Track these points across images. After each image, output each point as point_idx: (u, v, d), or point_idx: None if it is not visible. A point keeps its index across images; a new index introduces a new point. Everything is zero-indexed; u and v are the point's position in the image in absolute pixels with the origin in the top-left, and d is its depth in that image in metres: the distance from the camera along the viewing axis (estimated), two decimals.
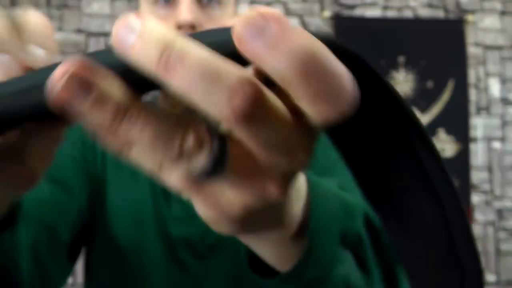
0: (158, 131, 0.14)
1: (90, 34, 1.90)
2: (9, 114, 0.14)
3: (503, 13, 2.05)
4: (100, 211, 0.58)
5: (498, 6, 2.05)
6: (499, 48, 2.03)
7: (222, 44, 0.13)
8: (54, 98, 0.13)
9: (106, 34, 1.91)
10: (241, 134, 0.13)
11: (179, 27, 0.53)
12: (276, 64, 0.12)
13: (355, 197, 0.31)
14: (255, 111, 0.12)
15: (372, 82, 0.15)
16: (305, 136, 0.14)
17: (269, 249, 0.24)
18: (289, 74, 0.12)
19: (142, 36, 0.13)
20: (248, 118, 0.12)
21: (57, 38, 1.88)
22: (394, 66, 1.95)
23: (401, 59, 1.96)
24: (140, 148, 0.14)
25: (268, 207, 0.16)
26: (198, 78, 0.12)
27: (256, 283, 0.26)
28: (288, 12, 1.98)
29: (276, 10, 0.12)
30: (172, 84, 0.13)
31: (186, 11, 0.52)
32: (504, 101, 2.01)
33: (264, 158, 0.14)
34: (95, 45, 1.89)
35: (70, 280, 1.77)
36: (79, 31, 1.90)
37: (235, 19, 0.13)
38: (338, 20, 1.97)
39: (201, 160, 0.14)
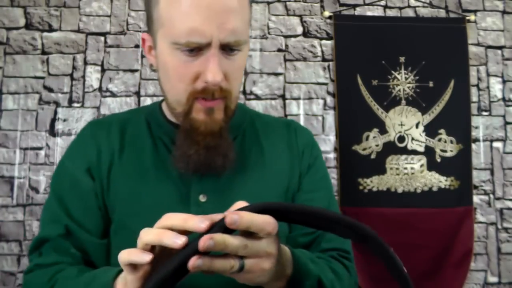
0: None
1: (89, 34, 1.90)
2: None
3: (505, 12, 2.04)
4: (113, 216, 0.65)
5: (500, 5, 2.04)
6: (500, 47, 2.02)
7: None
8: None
9: (105, 34, 1.90)
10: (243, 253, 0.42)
11: (206, 82, 0.56)
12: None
13: (317, 266, 0.57)
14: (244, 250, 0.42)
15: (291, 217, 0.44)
16: (267, 243, 0.43)
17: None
18: (250, 228, 0.40)
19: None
20: (243, 253, 0.42)
21: (56, 38, 1.88)
22: (395, 66, 1.94)
23: (402, 59, 1.95)
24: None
25: (261, 281, 0.46)
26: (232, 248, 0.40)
27: None
28: (289, 12, 1.97)
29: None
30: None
31: (216, 73, 0.55)
32: (506, 101, 2.00)
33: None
34: (94, 44, 1.89)
35: None
36: (78, 30, 1.89)
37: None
38: (339, 19, 1.95)
39: (236, 266, 0.41)
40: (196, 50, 0.56)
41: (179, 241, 0.38)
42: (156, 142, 0.68)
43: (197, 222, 0.39)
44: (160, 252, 0.42)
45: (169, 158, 0.64)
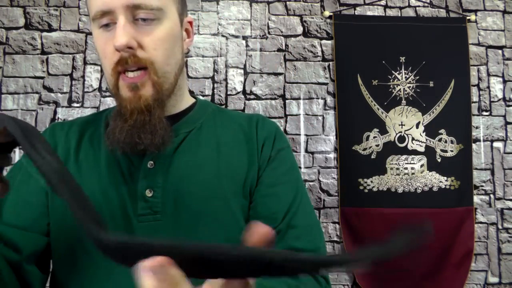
0: None
1: (89, 34, 1.89)
2: None
3: (505, 12, 2.03)
4: (57, 214, 0.62)
5: (501, 5, 2.03)
6: (501, 47, 2.01)
7: None
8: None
9: None
10: None
11: (117, 50, 0.57)
12: None
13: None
14: None
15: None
16: None
17: None
18: None
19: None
20: None
21: (56, 37, 1.87)
22: (395, 66, 1.94)
23: (402, 58, 1.94)
24: None
25: None
26: None
27: None
28: (289, 12, 1.97)
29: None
30: None
31: (120, 36, 0.56)
32: (506, 101, 1.99)
33: None
34: (93, 44, 1.88)
35: None
36: (78, 30, 1.89)
37: None
38: (339, 19, 1.95)
39: None
40: (111, 24, 0.59)
41: None
42: None
43: None
44: None
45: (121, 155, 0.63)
